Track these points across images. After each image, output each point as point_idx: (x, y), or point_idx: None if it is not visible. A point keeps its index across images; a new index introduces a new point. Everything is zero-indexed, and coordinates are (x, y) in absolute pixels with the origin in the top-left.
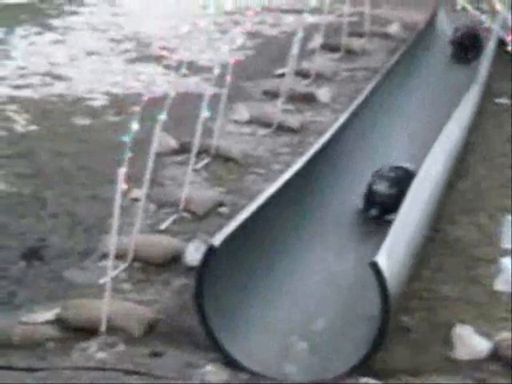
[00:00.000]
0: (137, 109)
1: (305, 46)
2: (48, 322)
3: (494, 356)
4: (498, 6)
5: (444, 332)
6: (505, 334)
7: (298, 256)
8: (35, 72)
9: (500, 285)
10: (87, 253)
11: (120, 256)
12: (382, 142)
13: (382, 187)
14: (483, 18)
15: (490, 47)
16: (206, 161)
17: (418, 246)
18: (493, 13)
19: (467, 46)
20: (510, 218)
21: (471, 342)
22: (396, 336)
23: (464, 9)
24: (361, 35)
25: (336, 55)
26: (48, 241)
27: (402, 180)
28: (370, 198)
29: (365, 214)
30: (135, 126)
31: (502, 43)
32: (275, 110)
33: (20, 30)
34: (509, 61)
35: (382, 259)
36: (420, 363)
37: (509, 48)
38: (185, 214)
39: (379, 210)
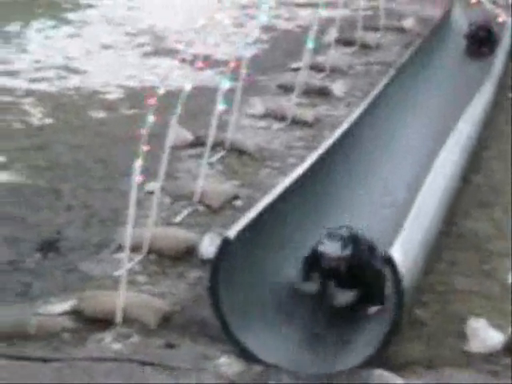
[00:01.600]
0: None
1: (320, 40)
2: (63, 314)
3: (508, 349)
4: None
5: (458, 325)
6: None
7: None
8: (51, 65)
9: None
10: (102, 245)
11: (135, 248)
12: (396, 135)
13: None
14: (498, 12)
15: (505, 42)
16: (220, 154)
17: (433, 239)
18: (508, 7)
19: (481, 40)
20: None
21: (485, 335)
22: (410, 329)
23: (479, 2)
24: (376, 29)
25: (351, 49)
26: (64, 233)
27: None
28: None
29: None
30: (151, 118)
31: None
32: (290, 104)
33: (36, 24)
34: None
35: (397, 253)
36: (434, 356)
37: None
38: (200, 207)
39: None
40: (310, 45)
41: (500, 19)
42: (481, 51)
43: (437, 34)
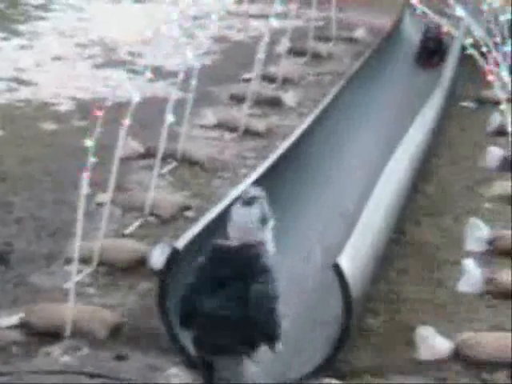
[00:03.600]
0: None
1: (272, 50)
2: (12, 327)
3: (456, 356)
4: (459, 11)
5: (407, 333)
6: (466, 335)
7: None
8: (1, 77)
9: (462, 286)
10: (52, 257)
11: (86, 260)
12: (347, 144)
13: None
14: (443, 22)
15: (455, 51)
16: (172, 165)
17: (382, 247)
18: (454, 17)
19: (431, 49)
20: (473, 220)
21: (434, 343)
22: (360, 337)
23: (424, 13)
24: (327, 40)
25: (302, 59)
26: (13, 245)
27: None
28: None
29: None
30: (99, 130)
31: (464, 48)
32: (242, 115)
33: None
34: (472, 65)
35: (345, 261)
36: (383, 364)
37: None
38: (150, 218)
39: None
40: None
41: (445, 29)
42: (430, 61)
43: (387, 44)
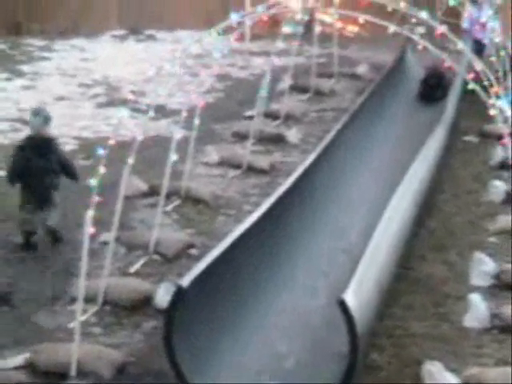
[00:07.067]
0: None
1: (274, 87)
2: (17, 367)
3: None
4: (460, 45)
5: (414, 369)
6: (473, 370)
7: (268, 296)
8: (5, 118)
9: (469, 321)
10: (56, 297)
11: (90, 299)
12: (350, 180)
13: None
14: (444, 57)
15: (456, 86)
16: (176, 203)
17: (387, 283)
18: (456, 52)
19: (433, 85)
20: (478, 255)
21: (440, 378)
22: (366, 373)
23: (426, 49)
24: (329, 76)
25: (305, 96)
26: (16, 285)
27: None
28: None
29: None
30: (102, 169)
31: (466, 83)
32: (245, 152)
33: None
34: (474, 100)
35: (350, 297)
36: None
37: (470, 86)
38: (155, 257)
39: None
40: (264, 92)
41: (446, 65)
42: (433, 96)
43: (389, 80)
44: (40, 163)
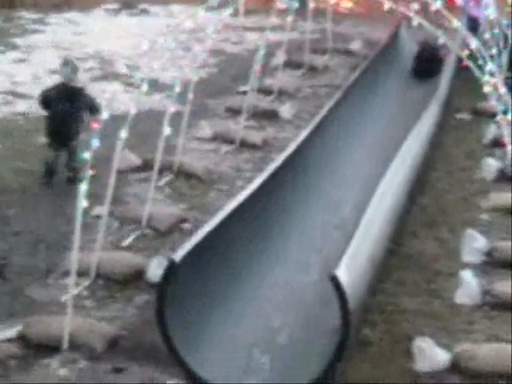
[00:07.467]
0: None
1: (268, 63)
2: (10, 340)
3: (454, 367)
4: (455, 23)
5: (405, 345)
6: (464, 346)
7: (262, 268)
8: None
9: (460, 298)
10: (50, 270)
11: (83, 273)
12: (344, 156)
13: None
14: (439, 33)
15: (450, 64)
16: (168, 178)
17: (379, 259)
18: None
19: (426, 59)
20: (470, 231)
21: (431, 354)
22: (358, 349)
23: (420, 25)
24: (323, 52)
25: (299, 72)
26: (10, 258)
27: None
28: None
29: None
30: (95, 142)
31: (460, 60)
32: (238, 127)
33: None
34: (468, 77)
35: (342, 272)
36: (381, 376)
37: (464, 63)
38: (147, 231)
39: None
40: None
41: (440, 41)
42: (427, 71)
43: (383, 56)
44: (65, 107)
